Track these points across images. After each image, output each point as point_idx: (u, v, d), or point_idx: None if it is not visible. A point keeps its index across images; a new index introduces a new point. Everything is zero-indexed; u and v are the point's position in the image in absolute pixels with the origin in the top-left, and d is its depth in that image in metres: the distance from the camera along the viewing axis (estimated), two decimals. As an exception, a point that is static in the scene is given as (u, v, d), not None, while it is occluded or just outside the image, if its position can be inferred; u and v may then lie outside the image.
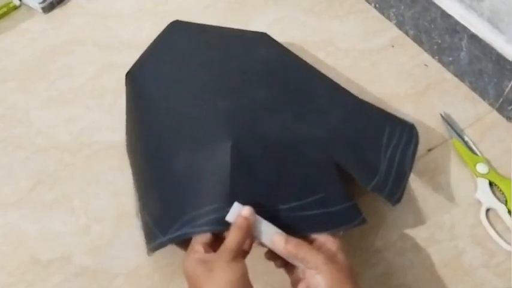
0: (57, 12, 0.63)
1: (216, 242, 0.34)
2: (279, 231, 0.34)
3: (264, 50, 0.48)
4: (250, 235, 0.33)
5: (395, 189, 0.40)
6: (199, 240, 0.34)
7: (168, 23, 0.62)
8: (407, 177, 0.41)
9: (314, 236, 0.35)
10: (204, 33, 0.50)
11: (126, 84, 0.48)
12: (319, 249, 0.34)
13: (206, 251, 0.33)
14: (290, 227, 0.35)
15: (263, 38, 0.51)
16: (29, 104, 0.54)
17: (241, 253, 0.32)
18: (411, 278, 0.42)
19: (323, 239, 0.35)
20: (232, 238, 0.32)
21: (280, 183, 0.37)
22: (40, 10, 0.63)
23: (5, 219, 0.46)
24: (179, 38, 0.49)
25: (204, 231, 0.34)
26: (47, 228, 0.45)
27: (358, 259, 0.42)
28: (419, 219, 0.45)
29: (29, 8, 0.64)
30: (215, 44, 0.48)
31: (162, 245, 0.37)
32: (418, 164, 0.49)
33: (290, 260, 0.34)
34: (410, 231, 0.44)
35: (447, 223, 0.45)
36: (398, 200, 0.40)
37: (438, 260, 0.42)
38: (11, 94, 0.55)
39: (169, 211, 0.37)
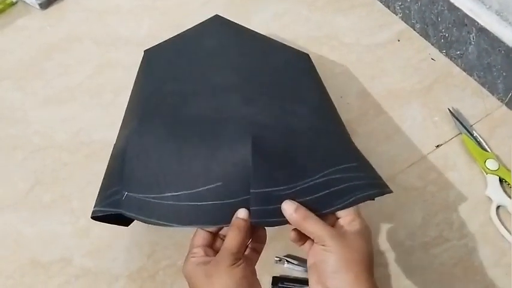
0: (54, 8, 0.62)
1: (215, 242, 0.34)
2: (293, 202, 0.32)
3: (288, 62, 0.46)
4: (250, 234, 0.32)
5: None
6: (197, 242, 0.33)
7: (168, 18, 0.61)
8: (333, 209, 0.34)
9: (339, 214, 0.33)
10: (238, 36, 0.47)
11: (142, 61, 0.48)
12: (334, 226, 0.32)
13: (205, 253, 0.32)
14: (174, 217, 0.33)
15: (299, 56, 0.48)
16: (26, 103, 0.53)
17: (241, 255, 0.31)
18: (420, 278, 0.41)
19: (347, 218, 0.33)
20: (230, 240, 0.31)
21: (175, 170, 0.34)
22: (37, 6, 0.62)
23: (3, 221, 0.45)
24: (210, 33, 0.47)
25: (103, 213, 0.35)
26: (46, 230, 0.44)
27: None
28: (427, 218, 0.44)
29: (26, 4, 0.62)
30: (241, 50, 0.45)
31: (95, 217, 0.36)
32: (426, 161, 0.47)
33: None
34: (418, 230, 0.43)
35: (456, 221, 0.44)
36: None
37: (448, 260, 0.41)
38: (8, 93, 0.54)
39: (101, 186, 0.38)
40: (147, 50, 0.48)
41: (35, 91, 0.54)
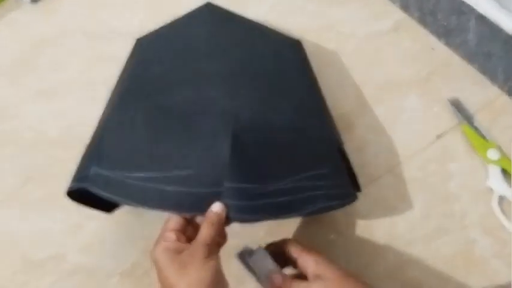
0: (46, 2, 0.61)
1: (188, 228, 0.33)
2: (275, 267, 0.32)
3: (278, 52, 0.45)
4: (222, 228, 0.32)
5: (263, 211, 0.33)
6: (170, 226, 0.32)
7: (162, 10, 0.60)
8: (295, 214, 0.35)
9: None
10: (229, 24, 0.47)
11: (132, 49, 0.48)
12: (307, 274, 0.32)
13: (178, 239, 0.31)
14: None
15: (290, 44, 0.48)
16: (18, 98, 0.52)
17: (216, 246, 0.31)
18: (420, 270, 0.40)
19: (303, 262, 0.32)
20: (205, 233, 0.31)
21: (148, 152, 0.34)
22: (28, 0, 0.61)
23: (-6, 218, 0.44)
24: (201, 21, 0.46)
25: (71, 188, 0.35)
26: (38, 227, 0.43)
27: (365, 252, 0.41)
28: (428, 209, 0.43)
29: (17, -2, 0.61)
30: (231, 38, 0.45)
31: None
32: (426, 152, 0.47)
33: None
34: (418, 222, 0.42)
35: (457, 212, 0.43)
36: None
37: (449, 251, 0.41)
38: (-1, 88, 0.53)
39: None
40: (138, 38, 0.48)
41: (27, 86, 0.53)
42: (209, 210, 0.32)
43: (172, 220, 0.32)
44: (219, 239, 0.33)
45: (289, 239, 0.35)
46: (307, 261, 0.32)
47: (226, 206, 0.32)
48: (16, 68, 0.55)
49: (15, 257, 0.41)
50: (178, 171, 0.33)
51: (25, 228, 0.43)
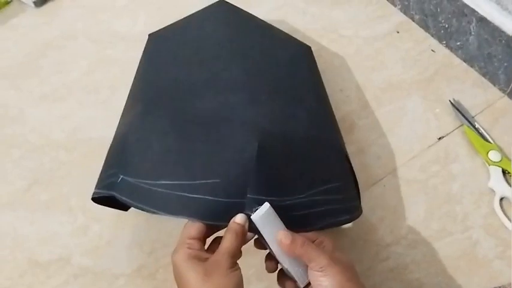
0: (49, 6, 0.62)
1: (206, 237, 0.33)
2: (284, 227, 0.32)
3: (292, 57, 0.45)
4: (244, 240, 0.32)
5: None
6: (193, 234, 0.32)
7: (165, 13, 0.60)
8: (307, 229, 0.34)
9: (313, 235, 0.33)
10: (243, 24, 0.47)
11: (145, 46, 0.48)
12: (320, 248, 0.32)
13: (201, 248, 0.32)
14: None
15: (303, 51, 0.48)
16: (22, 101, 0.52)
17: (238, 257, 0.32)
18: (423, 272, 0.40)
19: (321, 238, 0.33)
20: (229, 243, 0.31)
21: (174, 160, 0.34)
22: (32, 4, 0.61)
23: (1, 221, 0.44)
24: (216, 19, 0.46)
25: (98, 195, 0.35)
26: (44, 229, 0.43)
27: (368, 253, 0.41)
28: (430, 211, 0.43)
29: (21, 2, 0.62)
30: (248, 41, 0.44)
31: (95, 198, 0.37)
32: (428, 153, 0.47)
33: (292, 258, 0.32)
34: (421, 224, 0.43)
35: (459, 214, 0.43)
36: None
37: (451, 253, 0.41)
38: (3, 92, 0.53)
39: (102, 167, 0.38)
40: (151, 33, 0.48)
41: (31, 89, 0.53)
42: (232, 221, 0.32)
43: (194, 227, 0.32)
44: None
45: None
46: (326, 242, 0.32)
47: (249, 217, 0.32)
48: (20, 71, 0.55)
49: (22, 259, 0.42)
50: (205, 179, 0.33)
51: (31, 231, 0.43)
